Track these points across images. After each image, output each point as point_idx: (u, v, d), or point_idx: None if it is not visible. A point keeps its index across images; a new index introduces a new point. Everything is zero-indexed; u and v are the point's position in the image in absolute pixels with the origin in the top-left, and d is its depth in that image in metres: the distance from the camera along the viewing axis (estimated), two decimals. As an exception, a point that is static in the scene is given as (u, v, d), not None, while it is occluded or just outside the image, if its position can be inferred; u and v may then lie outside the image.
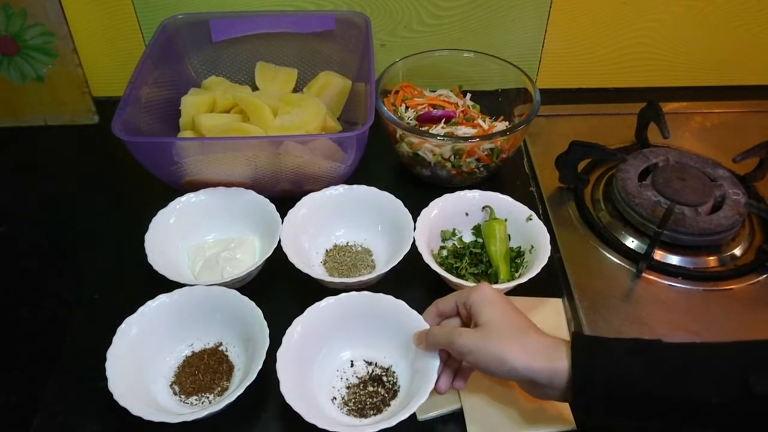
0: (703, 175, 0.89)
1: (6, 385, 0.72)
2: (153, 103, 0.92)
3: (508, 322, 0.61)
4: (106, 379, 0.64)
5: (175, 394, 0.70)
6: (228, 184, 0.85)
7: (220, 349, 0.73)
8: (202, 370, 0.71)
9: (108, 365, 0.65)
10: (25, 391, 0.71)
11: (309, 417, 0.61)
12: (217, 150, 0.83)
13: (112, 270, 0.83)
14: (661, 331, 0.74)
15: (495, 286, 0.75)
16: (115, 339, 0.67)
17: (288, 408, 0.62)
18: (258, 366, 0.65)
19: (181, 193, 0.84)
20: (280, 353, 0.66)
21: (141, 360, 0.69)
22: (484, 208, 0.85)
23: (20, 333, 0.78)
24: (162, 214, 0.82)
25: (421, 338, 0.67)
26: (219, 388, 0.70)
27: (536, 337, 0.60)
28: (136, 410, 0.62)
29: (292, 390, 0.63)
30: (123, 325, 0.69)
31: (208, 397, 0.69)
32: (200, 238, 0.85)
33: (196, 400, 0.69)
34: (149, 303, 0.71)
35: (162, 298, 0.72)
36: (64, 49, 1.00)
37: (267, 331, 0.68)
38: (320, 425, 0.61)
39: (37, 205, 0.94)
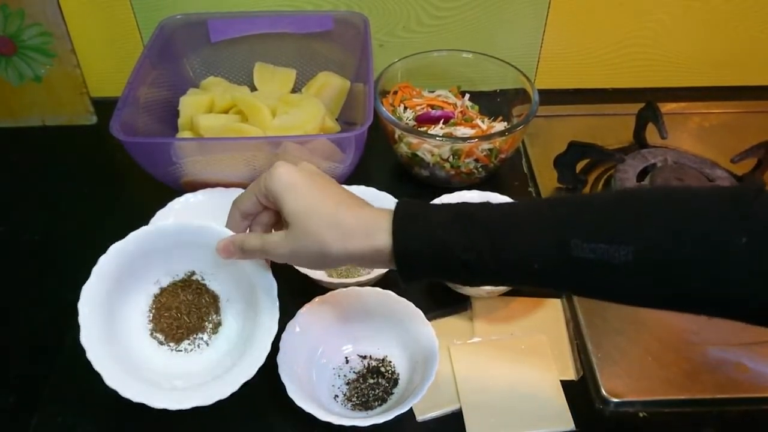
0: (701, 175, 0.89)
1: (5, 385, 0.72)
2: (151, 104, 0.92)
3: (313, 208, 0.54)
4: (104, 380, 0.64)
5: (161, 344, 0.64)
6: (227, 185, 0.85)
7: (194, 278, 0.66)
8: (183, 311, 0.65)
9: (90, 356, 0.59)
10: (24, 392, 0.71)
11: (323, 416, 0.61)
12: (215, 150, 0.83)
13: (111, 270, 0.83)
14: (660, 331, 0.74)
15: (493, 287, 0.75)
16: (82, 323, 0.60)
17: (286, 409, 0.62)
18: (275, 308, 0.60)
19: (179, 194, 0.84)
20: (280, 358, 0.66)
21: (115, 327, 0.62)
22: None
23: (18, 333, 0.78)
24: (160, 214, 0.82)
25: (230, 249, 0.60)
26: (211, 324, 0.65)
27: (350, 215, 0.54)
28: (135, 397, 0.58)
29: (298, 393, 0.63)
30: (82, 304, 0.61)
31: (201, 338, 0.64)
32: (199, 238, 0.84)
33: (189, 344, 0.64)
34: (100, 261, 0.62)
35: (106, 256, 0.62)
36: (62, 49, 0.99)
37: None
38: (336, 422, 0.61)
39: (36, 205, 0.94)
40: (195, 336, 0.65)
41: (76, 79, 1.02)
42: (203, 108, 0.94)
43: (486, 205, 0.54)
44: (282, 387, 0.63)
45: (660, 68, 1.12)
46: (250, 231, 0.62)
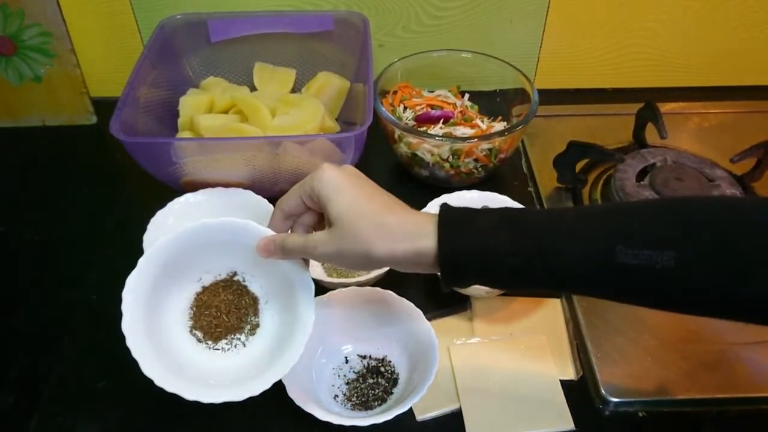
0: (700, 175, 0.89)
1: (4, 386, 0.72)
2: (151, 104, 0.92)
3: (360, 210, 0.55)
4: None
5: (199, 341, 0.65)
6: (226, 185, 0.85)
7: (235, 279, 0.67)
8: (223, 310, 0.65)
9: (130, 344, 0.58)
10: (24, 392, 0.71)
11: (322, 416, 0.61)
12: (215, 150, 0.83)
13: (110, 271, 0.82)
14: (660, 331, 0.74)
15: (493, 288, 0.75)
16: (125, 310, 0.60)
17: (286, 409, 0.62)
18: (311, 317, 0.60)
19: (179, 194, 0.84)
20: None
21: (155, 320, 0.62)
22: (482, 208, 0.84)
23: (18, 333, 0.78)
24: (160, 214, 0.82)
25: (271, 248, 0.61)
26: (249, 326, 0.65)
27: (396, 217, 0.55)
28: (161, 382, 0.57)
29: (297, 393, 0.63)
30: (126, 294, 0.61)
31: (239, 338, 0.65)
32: (199, 238, 0.84)
33: (226, 344, 0.65)
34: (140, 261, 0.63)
35: (153, 249, 0.63)
36: (62, 49, 0.99)
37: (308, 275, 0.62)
38: (336, 422, 0.61)
39: (36, 205, 0.94)
40: (233, 336, 0.65)
41: (75, 79, 1.02)
42: (203, 108, 0.94)
43: (531, 211, 0.55)
44: (282, 387, 0.63)
45: (659, 68, 1.12)
46: (291, 232, 0.62)
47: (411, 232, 0.54)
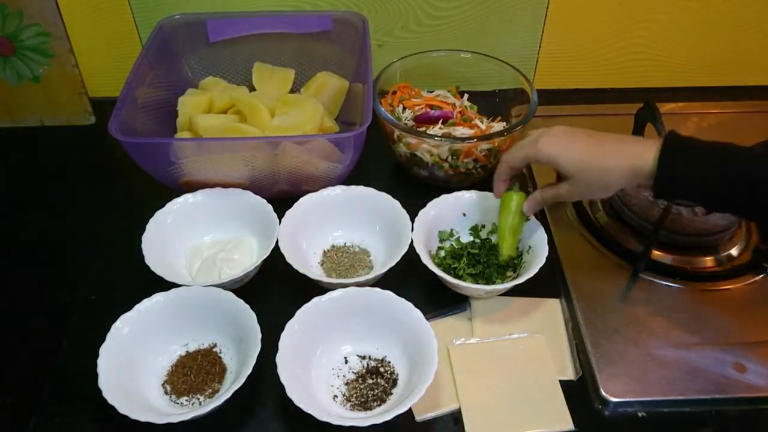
0: (700, 175, 0.89)
1: (2, 386, 0.72)
2: (150, 104, 0.92)
3: (584, 164, 0.70)
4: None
5: (166, 393, 0.70)
6: (225, 185, 0.85)
7: (214, 350, 0.73)
8: (194, 371, 0.71)
9: (100, 362, 0.65)
10: (22, 392, 0.71)
11: (321, 416, 0.61)
12: (214, 150, 0.83)
13: (109, 271, 0.83)
14: (659, 331, 0.74)
15: (494, 287, 0.75)
16: (109, 336, 0.68)
17: (286, 409, 0.62)
18: (248, 370, 0.65)
19: (178, 194, 0.84)
20: (279, 358, 0.66)
21: (134, 358, 0.69)
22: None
23: (17, 333, 0.78)
24: (159, 214, 0.82)
25: (537, 202, 0.78)
26: (210, 390, 0.70)
27: (614, 161, 0.69)
28: (123, 409, 0.62)
29: (296, 393, 0.63)
30: (118, 323, 0.69)
31: (198, 399, 0.69)
32: (197, 239, 0.84)
33: (186, 400, 0.69)
34: (145, 301, 0.71)
35: (158, 297, 0.72)
36: (61, 49, 0.99)
37: (259, 335, 0.67)
38: (335, 422, 0.61)
39: (35, 205, 0.94)
40: (193, 395, 0.70)
41: (74, 79, 1.02)
42: (202, 108, 0.94)
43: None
44: (281, 387, 0.63)
45: (658, 68, 1.12)
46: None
47: (631, 174, 0.68)
